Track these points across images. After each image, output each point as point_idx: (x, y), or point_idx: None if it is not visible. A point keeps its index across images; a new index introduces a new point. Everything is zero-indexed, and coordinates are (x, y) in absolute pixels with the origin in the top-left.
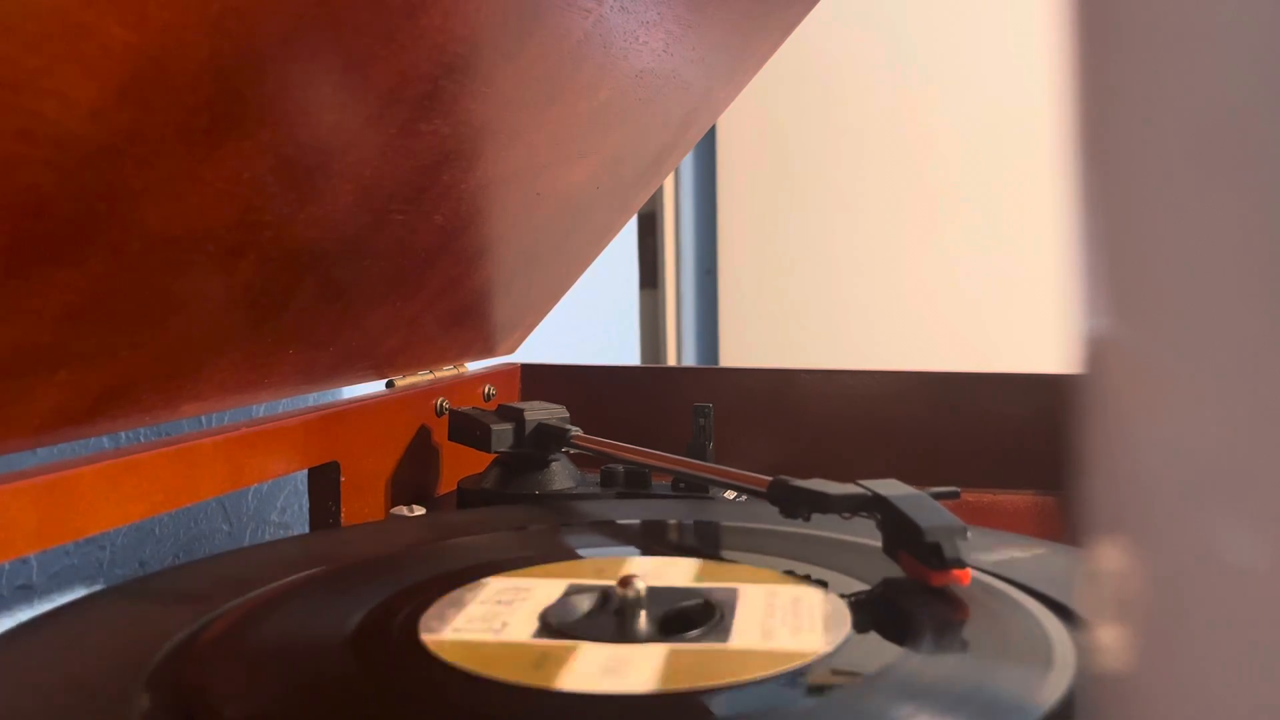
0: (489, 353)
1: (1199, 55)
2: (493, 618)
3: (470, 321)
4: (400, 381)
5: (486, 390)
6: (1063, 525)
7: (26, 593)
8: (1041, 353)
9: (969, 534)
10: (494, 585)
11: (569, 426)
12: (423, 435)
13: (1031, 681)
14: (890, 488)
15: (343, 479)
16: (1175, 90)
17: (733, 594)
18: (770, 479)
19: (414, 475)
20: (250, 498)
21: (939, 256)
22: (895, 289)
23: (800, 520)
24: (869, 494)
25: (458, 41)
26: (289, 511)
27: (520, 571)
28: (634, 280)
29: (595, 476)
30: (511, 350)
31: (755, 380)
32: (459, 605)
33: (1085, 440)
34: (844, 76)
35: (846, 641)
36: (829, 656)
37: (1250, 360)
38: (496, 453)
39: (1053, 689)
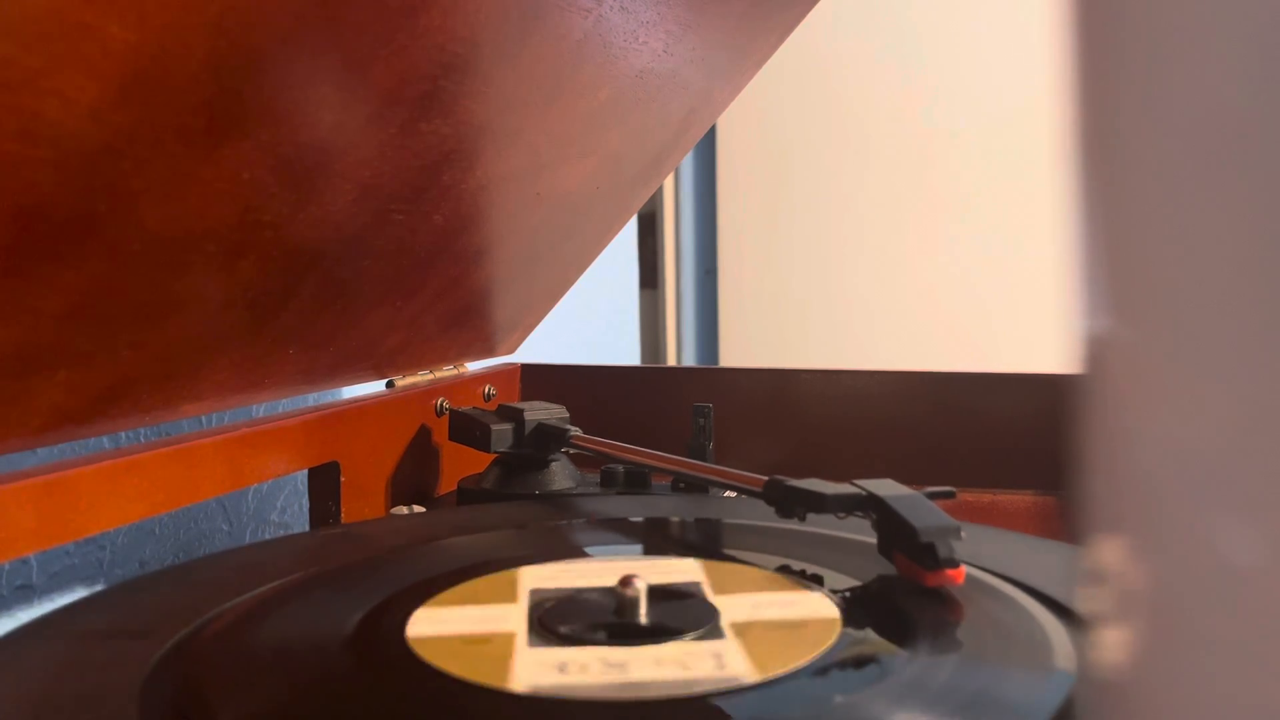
0: (489, 353)
1: (1200, 55)
2: (484, 617)
3: (470, 321)
4: (400, 381)
5: (486, 390)
6: (1063, 525)
7: (26, 593)
8: (1041, 353)
9: (963, 533)
10: (492, 584)
11: (569, 426)
12: (423, 435)
13: (1028, 681)
14: (885, 487)
15: (343, 479)
16: (1176, 89)
17: (718, 601)
18: (765, 479)
19: (414, 475)
20: (250, 498)
21: (939, 256)
22: (895, 289)
23: (796, 520)
24: (864, 494)
25: (458, 41)
26: (289, 511)
27: (518, 571)
28: (634, 280)
29: (595, 476)
30: (511, 350)
31: (755, 380)
32: (453, 604)
33: (1085, 440)
34: (844, 76)
35: (850, 641)
36: (835, 656)
37: (1250, 360)
38: (496, 453)
39: (1050, 689)
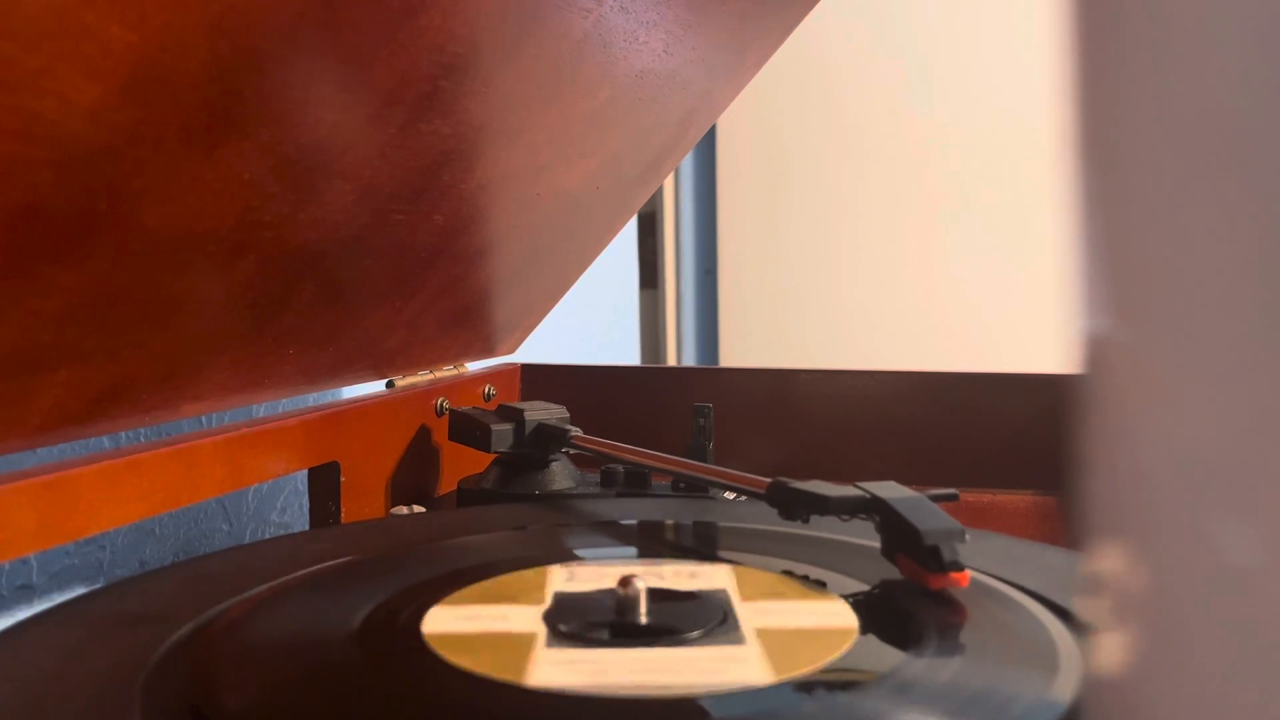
0: (489, 353)
1: (1199, 56)
2: (494, 617)
3: (470, 321)
4: (400, 381)
5: (486, 390)
6: (1063, 525)
7: (26, 593)
8: (1041, 353)
9: (967, 536)
10: (493, 585)
11: (569, 426)
12: (423, 435)
13: (1032, 684)
14: (889, 490)
15: (343, 479)
16: (1176, 91)
17: (732, 595)
18: (769, 481)
19: (414, 475)
20: (250, 498)
21: (939, 256)
22: (895, 289)
23: (799, 522)
24: (868, 496)
25: (458, 41)
26: (289, 511)
27: (519, 572)
28: (634, 280)
29: (595, 476)
30: (511, 350)
31: (755, 380)
32: (458, 605)
33: (1085, 440)
34: (844, 77)
35: (855, 644)
36: (839, 659)
37: (1250, 360)
38: (496, 453)
39: (1053, 691)
